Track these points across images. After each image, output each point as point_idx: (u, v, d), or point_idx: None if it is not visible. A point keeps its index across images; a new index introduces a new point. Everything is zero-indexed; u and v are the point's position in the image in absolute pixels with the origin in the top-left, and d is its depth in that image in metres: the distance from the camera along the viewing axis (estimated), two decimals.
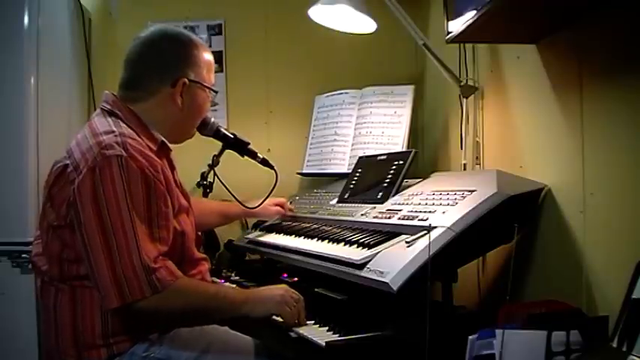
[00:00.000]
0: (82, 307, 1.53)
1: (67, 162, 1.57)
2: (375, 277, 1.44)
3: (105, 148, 1.49)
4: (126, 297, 1.43)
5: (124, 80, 1.71)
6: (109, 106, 1.67)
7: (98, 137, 1.54)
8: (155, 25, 1.77)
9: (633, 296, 1.14)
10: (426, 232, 1.48)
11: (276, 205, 2.30)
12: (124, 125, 1.60)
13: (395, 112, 2.49)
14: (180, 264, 1.64)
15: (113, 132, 1.55)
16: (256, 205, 2.20)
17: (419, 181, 1.97)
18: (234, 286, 2.16)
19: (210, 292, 1.60)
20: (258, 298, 1.60)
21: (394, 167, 2.00)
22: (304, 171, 2.77)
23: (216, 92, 1.81)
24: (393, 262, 1.44)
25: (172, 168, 1.73)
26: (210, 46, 2.86)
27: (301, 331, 1.53)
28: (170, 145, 1.74)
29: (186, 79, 1.69)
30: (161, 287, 1.45)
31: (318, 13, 2.41)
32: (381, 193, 1.95)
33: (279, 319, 1.59)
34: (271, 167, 2.44)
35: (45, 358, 1.67)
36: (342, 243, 1.70)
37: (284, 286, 1.67)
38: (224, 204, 2.25)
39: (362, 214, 1.88)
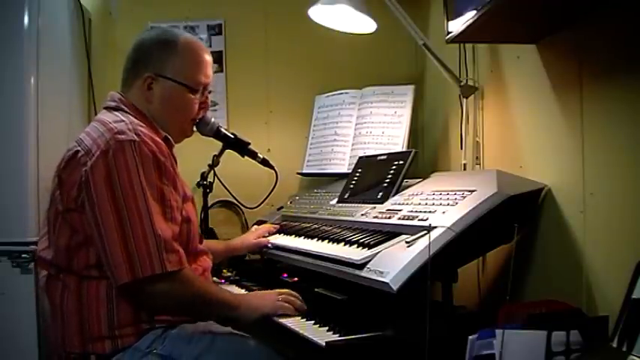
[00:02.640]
0: (87, 298, 1.55)
1: (78, 148, 1.59)
2: (375, 277, 1.44)
3: (118, 134, 1.54)
4: (137, 273, 1.47)
5: (122, 77, 1.78)
6: (114, 103, 1.71)
7: (109, 125, 1.58)
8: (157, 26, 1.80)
9: (633, 296, 1.14)
10: (426, 232, 1.48)
11: (258, 237, 2.22)
12: (132, 117, 1.65)
13: (395, 112, 2.49)
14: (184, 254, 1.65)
15: (123, 121, 1.60)
16: (255, 205, 2.17)
17: (419, 181, 1.96)
18: (233, 286, 2.16)
19: (211, 289, 1.63)
20: (249, 304, 1.65)
21: (394, 167, 2.00)
22: (304, 171, 2.77)
23: (191, 89, 1.75)
24: (393, 262, 1.44)
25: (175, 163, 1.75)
26: (210, 46, 2.86)
27: (301, 331, 1.54)
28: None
29: (152, 74, 1.71)
30: (170, 268, 1.50)
31: (318, 13, 2.41)
32: (381, 193, 1.95)
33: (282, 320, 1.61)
34: (271, 167, 2.45)
35: (49, 351, 1.68)
36: (342, 243, 1.70)
37: (275, 290, 1.73)
38: (208, 242, 2.04)
39: (362, 214, 1.88)
